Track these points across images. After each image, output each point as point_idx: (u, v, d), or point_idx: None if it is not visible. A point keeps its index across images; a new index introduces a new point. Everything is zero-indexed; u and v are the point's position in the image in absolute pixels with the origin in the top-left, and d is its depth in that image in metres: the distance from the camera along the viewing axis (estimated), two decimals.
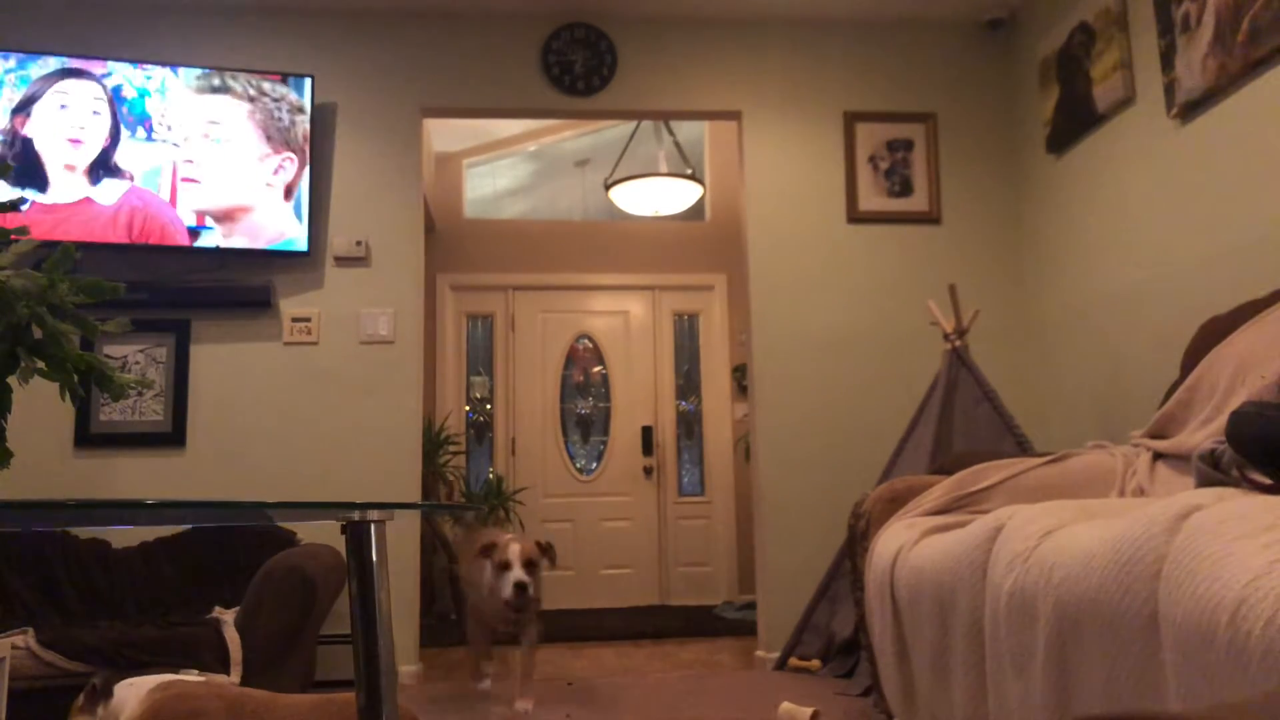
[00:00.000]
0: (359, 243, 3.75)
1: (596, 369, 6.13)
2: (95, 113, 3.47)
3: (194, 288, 3.61)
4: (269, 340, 3.67)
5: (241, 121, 3.61)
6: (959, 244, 4.00)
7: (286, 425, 3.63)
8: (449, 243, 6.02)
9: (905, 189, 4.00)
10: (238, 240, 3.56)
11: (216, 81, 3.60)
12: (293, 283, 3.71)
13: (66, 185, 3.44)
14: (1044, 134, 3.78)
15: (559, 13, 3.95)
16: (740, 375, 5.93)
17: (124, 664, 2.52)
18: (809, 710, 2.56)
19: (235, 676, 2.64)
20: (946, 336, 3.47)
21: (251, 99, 3.61)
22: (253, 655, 2.71)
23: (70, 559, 3.24)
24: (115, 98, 3.51)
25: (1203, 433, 2.08)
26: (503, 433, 5.94)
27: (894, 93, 4.06)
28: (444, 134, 6.00)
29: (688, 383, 6.17)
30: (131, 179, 3.50)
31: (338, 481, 3.61)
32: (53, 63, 3.47)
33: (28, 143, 3.42)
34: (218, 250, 3.55)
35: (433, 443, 5.25)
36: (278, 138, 3.63)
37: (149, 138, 3.53)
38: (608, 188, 5.48)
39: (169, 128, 3.55)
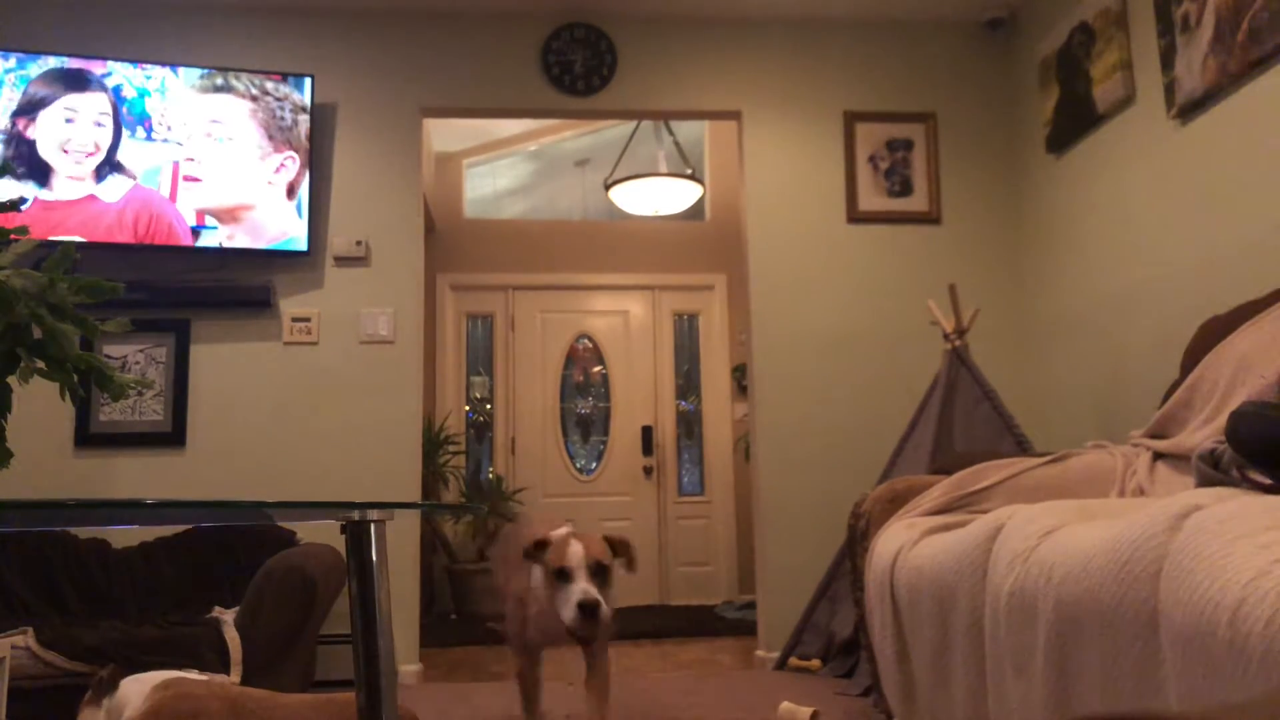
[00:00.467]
0: (359, 242, 3.75)
1: (596, 369, 6.13)
2: (99, 124, 3.47)
3: (194, 287, 3.61)
4: (269, 340, 3.67)
5: (244, 120, 3.61)
6: (959, 244, 4.00)
7: (286, 425, 3.63)
8: (449, 242, 6.02)
9: (905, 189, 3.99)
10: (240, 239, 3.56)
11: (219, 80, 3.60)
12: (293, 282, 3.71)
13: (70, 181, 3.44)
14: (1044, 134, 3.78)
15: (559, 12, 3.95)
16: (740, 375, 5.93)
17: (124, 664, 2.52)
18: (809, 710, 2.56)
19: (235, 676, 2.64)
20: (946, 336, 3.47)
21: (254, 98, 3.62)
22: (253, 655, 2.71)
23: (70, 559, 3.24)
24: (116, 98, 3.51)
25: (1202, 433, 2.08)
26: (503, 432, 5.94)
27: (894, 93, 4.06)
28: (444, 134, 6.00)
29: (687, 383, 6.17)
30: (134, 178, 3.50)
31: (338, 481, 3.61)
32: (52, 62, 3.47)
33: (30, 144, 3.42)
34: (219, 250, 3.55)
35: (433, 442, 5.25)
36: (280, 137, 3.63)
37: (148, 137, 3.53)
38: (608, 188, 5.49)
39: (168, 127, 3.55)
